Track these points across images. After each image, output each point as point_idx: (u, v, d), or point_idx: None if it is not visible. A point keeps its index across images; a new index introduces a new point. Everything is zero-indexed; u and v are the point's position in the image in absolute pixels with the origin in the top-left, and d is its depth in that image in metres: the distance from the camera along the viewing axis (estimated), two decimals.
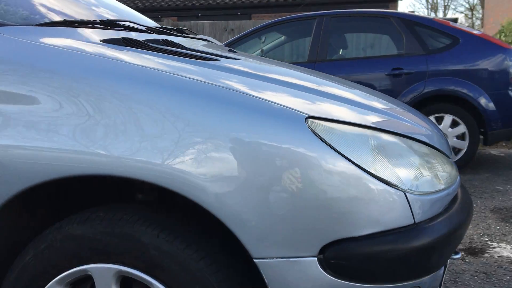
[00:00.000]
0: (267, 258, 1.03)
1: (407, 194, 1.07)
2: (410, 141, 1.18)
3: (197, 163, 1.02)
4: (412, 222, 1.08)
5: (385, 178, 1.06)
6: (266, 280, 1.04)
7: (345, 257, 1.03)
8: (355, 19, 5.16)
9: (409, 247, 1.05)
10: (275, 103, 1.09)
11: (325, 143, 1.03)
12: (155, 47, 1.31)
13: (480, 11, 30.25)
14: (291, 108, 1.08)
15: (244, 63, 1.49)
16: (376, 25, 5.03)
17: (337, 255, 1.03)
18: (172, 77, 1.10)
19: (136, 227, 1.08)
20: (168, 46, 1.38)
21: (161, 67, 1.14)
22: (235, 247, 1.10)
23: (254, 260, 1.03)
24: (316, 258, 1.03)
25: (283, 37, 5.75)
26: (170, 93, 1.06)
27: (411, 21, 4.75)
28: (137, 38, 1.35)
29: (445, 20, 4.87)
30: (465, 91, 4.50)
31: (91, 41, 1.25)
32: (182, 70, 1.16)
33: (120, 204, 1.16)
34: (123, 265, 1.09)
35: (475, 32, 4.74)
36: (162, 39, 1.44)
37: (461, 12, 32.60)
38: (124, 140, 1.04)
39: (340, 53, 5.23)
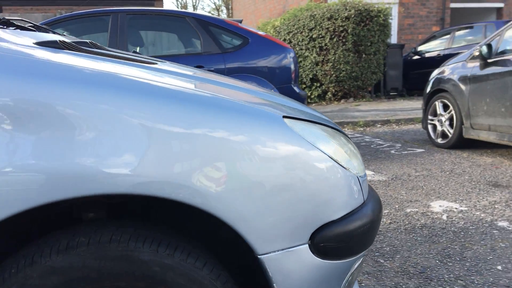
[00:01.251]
0: (270, 252, 1.09)
1: (359, 177, 1.26)
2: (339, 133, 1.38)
3: (201, 170, 1.01)
4: (363, 201, 1.28)
5: (346, 165, 1.22)
6: (270, 273, 1.09)
7: (329, 239, 1.16)
8: (152, 17, 5.19)
9: (369, 221, 1.24)
10: (255, 104, 1.15)
11: (304, 139, 1.14)
12: (100, 52, 1.19)
13: (225, 11, 33.11)
14: (270, 108, 1.15)
15: (171, 65, 1.47)
16: (173, 24, 5.16)
17: (323, 239, 1.15)
18: (163, 87, 1.06)
19: (131, 246, 1.00)
20: (99, 49, 1.26)
21: (136, 74, 1.07)
22: (228, 249, 1.12)
23: (258, 256, 1.08)
24: (307, 245, 1.13)
25: (65, 33, 5.39)
26: (172, 102, 1.02)
27: (205, 22, 5.03)
28: (68, 41, 1.20)
29: (235, 21, 5.29)
30: (255, 85, 5.00)
31: (25, 45, 1.07)
32: (162, 78, 1.12)
33: (94, 225, 1.05)
34: None
35: (260, 33, 5.29)
36: (90, 42, 1.30)
37: (209, 12, 35.03)
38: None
39: (138, 50, 5.19)
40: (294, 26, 10.11)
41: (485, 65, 4.72)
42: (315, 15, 9.69)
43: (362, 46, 9.63)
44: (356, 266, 1.30)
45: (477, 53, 4.76)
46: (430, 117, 5.57)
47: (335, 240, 1.17)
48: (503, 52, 4.61)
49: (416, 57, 11.37)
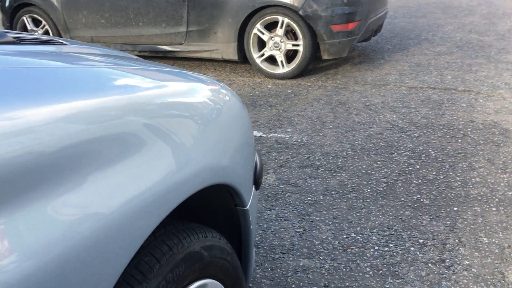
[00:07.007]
0: (249, 202, 1.21)
1: None
2: None
3: (230, 149, 1.06)
4: None
5: None
6: (250, 219, 1.23)
7: (258, 174, 1.36)
8: None
9: None
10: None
11: None
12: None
13: None
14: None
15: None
16: None
17: (257, 175, 1.34)
18: None
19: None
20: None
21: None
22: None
23: (245, 208, 1.19)
24: (253, 185, 1.31)
25: None
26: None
27: None
28: None
29: None
30: None
31: None
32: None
33: None
34: None
35: None
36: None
37: None
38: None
39: None
40: None
41: None
42: None
43: None
44: None
45: None
46: None
47: (259, 175, 1.37)
48: None
49: None
